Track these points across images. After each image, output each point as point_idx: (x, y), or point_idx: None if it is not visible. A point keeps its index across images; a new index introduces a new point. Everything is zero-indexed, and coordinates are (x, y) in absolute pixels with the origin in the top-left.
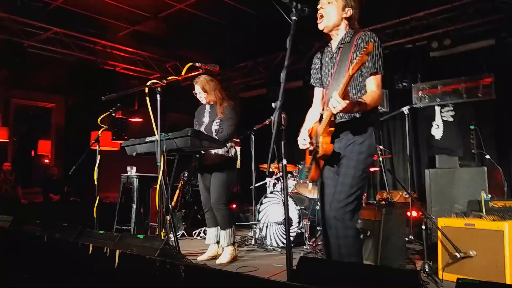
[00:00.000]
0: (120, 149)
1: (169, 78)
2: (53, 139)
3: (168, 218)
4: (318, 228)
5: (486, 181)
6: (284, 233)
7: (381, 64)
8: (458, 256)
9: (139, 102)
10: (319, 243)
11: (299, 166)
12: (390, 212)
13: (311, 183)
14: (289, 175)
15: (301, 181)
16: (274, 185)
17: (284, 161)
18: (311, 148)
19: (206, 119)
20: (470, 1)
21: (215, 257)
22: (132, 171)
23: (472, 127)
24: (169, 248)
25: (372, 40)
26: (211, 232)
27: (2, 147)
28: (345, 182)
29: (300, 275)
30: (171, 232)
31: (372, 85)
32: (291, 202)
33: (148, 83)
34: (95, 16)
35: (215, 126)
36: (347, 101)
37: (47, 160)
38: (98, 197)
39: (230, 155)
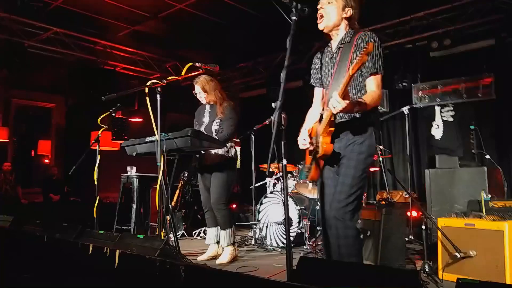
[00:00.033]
0: (120, 149)
1: (169, 78)
2: (53, 139)
3: (168, 218)
4: (318, 228)
5: (486, 181)
6: (284, 233)
7: (381, 64)
8: (458, 256)
9: (139, 102)
10: (319, 243)
11: (299, 166)
12: (390, 212)
13: (311, 183)
14: (289, 175)
15: (301, 181)
16: (274, 185)
17: (284, 161)
18: (311, 148)
19: (206, 119)
20: (470, 1)
21: (215, 257)
22: (132, 171)
23: (472, 127)
24: (169, 248)
25: (372, 40)
26: (211, 232)
27: (2, 147)
28: (345, 182)
29: (300, 275)
30: (171, 232)
31: (372, 85)
32: (291, 202)
33: (148, 83)
34: (95, 16)
35: (215, 126)
36: (347, 101)
37: (47, 160)
38: (98, 197)
39: (230, 155)
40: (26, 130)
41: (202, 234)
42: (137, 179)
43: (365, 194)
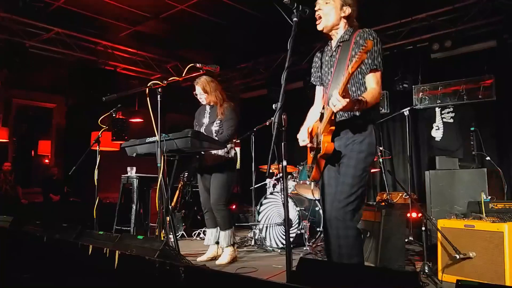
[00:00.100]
0: (120, 149)
1: (169, 79)
2: (53, 139)
3: (167, 218)
4: (318, 229)
5: (486, 183)
6: (284, 234)
7: (381, 61)
8: (458, 257)
9: (140, 102)
10: (319, 244)
11: (299, 167)
12: (390, 213)
13: (313, 183)
14: (289, 176)
15: (301, 182)
16: (274, 186)
17: (284, 162)
18: (310, 145)
19: (206, 120)
20: (471, 2)
21: (214, 258)
22: (132, 172)
23: (472, 128)
24: (169, 249)
25: (371, 38)
26: (211, 233)
27: (3, 147)
28: (345, 181)
29: (300, 276)
30: (171, 233)
31: (372, 82)
32: (291, 203)
33: (148, 84)
34: (96, 16)
35: (215, 127)
36: (347, 99)
37: (47, 160)
38: (98, 197)
39: (230, 156)
40: (26, 130)
41: (201, 235)
42: (137, 180)
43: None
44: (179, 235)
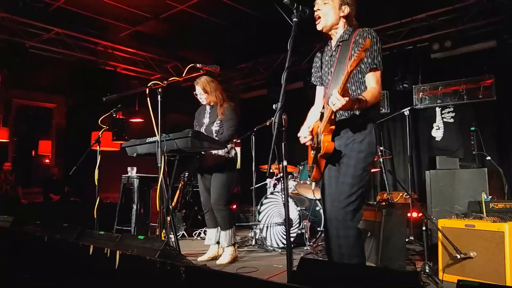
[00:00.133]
0: (121, 149)
1: (170, 79)
2: (54, 139)
3: (168, 218)
4: (319, 228)
5: (487, 182)
6: (285, 233)
7: (381, 60)
8: (459, 257)
9: (140, 102)
10: (320, 243)
11: (300, 167)
12: (391, 213)
13: (314, 183)
14: (290, 176)
15: (302, 181)
16: (275, 186)
17: (285, 162)
18: (309, 143)
19: (206, 120)
20: (472, 2)
21: (215, 258)
22: (132, 172)
23: (472, 128)
24: (170, 249)
25: (370, 36)
26: (211, 233)
27: (3, 147)
28: (345, 181)
29: (301, 276)
30: (171, 233)
31: (372, 81)
32: (291, 203)
33: (149, 84)
34: (96, 16)
35: (215, 127)
36: (347, 98)
37: (47, 160)
38: (98, 197)
39: (230, 156)
40: (27, 130)
41: (202, 235)
42: (138, 180)
43: None
44: (180, 235)
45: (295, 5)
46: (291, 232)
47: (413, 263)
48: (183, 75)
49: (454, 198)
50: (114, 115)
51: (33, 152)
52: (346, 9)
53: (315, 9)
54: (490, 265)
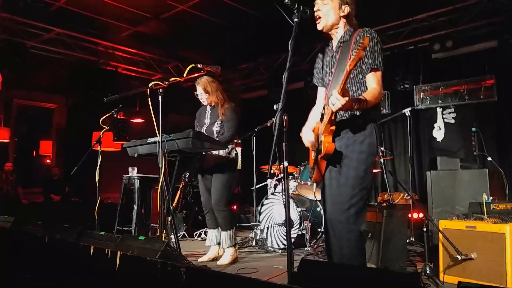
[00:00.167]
0: (122, 149)
1: (170, 79)
2: (54, 139)
3: (169, 219)
4: (319, 229)
5: (488, 183)
6: (285, 234)
7: (381, 60)
8: (459, 258)
9: (141, 103)
10: (320, 244)
11: (300, 167)
12: (391, 214)
13: (315, 185)
14: (290, 176)
15: (302, 182)
16: (275, 186)
17: (285, 163)
18: (313, 148)
19: (207, 121)
20: (472, 2)
21: (216, 259)
22: (133, 172)
23: (473, 129)
24: (170, 250)
25: (370, 36)
26: (212, 234)
27: (4, 147)
28: (346, 183)
29: (301, 277)
30: (172, 233)
31: (372, 82)
32: (292, 204)
33: (150, 85)
34: (97, 17)
35: (216, 128)
36: (347, 98)
37: (48, 161)
38: (99, 197)
39: (231, 156)
40: (27, 130)
41: (203, 235)
42: (138, 180)
43: None
44: (180, 236)
45: (296, 5)
46: (291, 233)
47: (414, 264)
48: (184, 75)
49: (455, 199)
50: (115, 116)
51: (34, 152)
52: (346, 9)
53: (315, 9)
54: (491, 267)
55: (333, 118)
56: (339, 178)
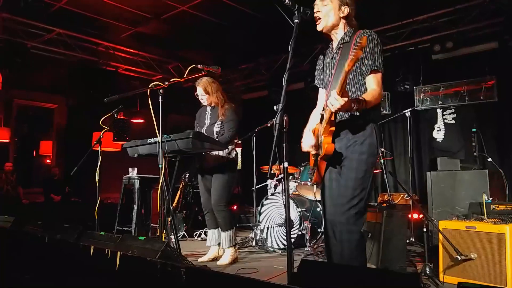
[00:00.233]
0: (122, 150)
1: (171, 80)
2: (54, 140)
3: (169, 219)
4: (319, 230)
5: (488, 184)
6: (285, 234)
7: (381, 62)
8: (459, 258)
9: (141, 103)
10: (320, 245)
11: (300, 168)
12: (391, 214)
13: (315, 186)
14: (290, 177)
15: (302, 183)
16: (275, 187)
17: (286, 163)
18: (313, 152)
19: (207, 121)
20: (473, 4)
21: (216, 259)
22: (133, 172)
23: (474, 129)
24: (170, 250)
25: (370, 37)
26: (212, 234)
27: (4, 147)
28: (346, 184)
29: (301, 278)
30: (172, 233)
31: (372, 83)
32: (292, 204)
33: (150, 85)
34: (97, 17)
35: (216, 128)
36: (345, 98)
37: (48, 161)
38: (99, 198)
39: (231, 157)
40: (27, 130)
41: (203, 235)
42: (139, 180)
43: None
44: (180, 236)
45: (296, 6)
46: (291, 233)
47: (414, 265)
48: (185, 76)
49: (455, 199)
50: (115, 116)
51: (34, 152)
52: (346, 10)
53: (314, 10)
54: (491, 267)
55: (332, 118)
56: (339, 179)
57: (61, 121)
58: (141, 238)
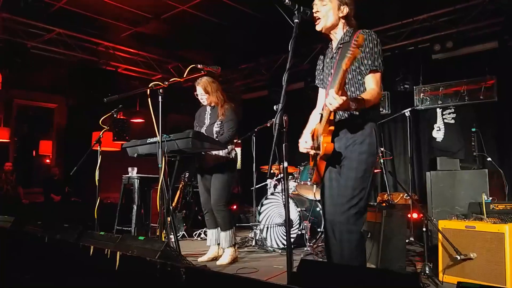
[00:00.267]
0: (121, 149)
1: (171, 80)
2: (54, 139)
3: (168, 219)
4: (319, 229)
5: (487, 183)
6: (285, 234)
7: (381, 62)
8: (459, 258)
9: (141, 103)
10: (320, 244)
11: (300, 167)
12: (391, 214)
13: (315, 185)
14: (290, 176)
15: (302, 182)
16: (275, 186)
17: (285, 163)
18: (312, 153)
19: (207, 121)
20: (473, 3)
21: (215, 258)
22: (133, 172)
23: (473, 129)
24: (170, 250)
25: (370, 38)
26: (211, 234)
27: (4, 147)
28: (346, 184)
29: (301, 277)
30: (172, 233)
31: (371, 83)
32: (291, 204)
33: (150, 85)
34: (97, 17)
35: (216, 128)
36: (344, 98)
37: (48, 161)
38: (99, 197)
39: (231, 156)
40: (27, 130)
41: (202, 235)
42: (138, 180)
43: None
44: (180, 236)
45: (296, 6)
46: (291, 233)
47: (413, 264)
48: (185, 75)
49: (455, 199)
50: (115, 116)
51: (34, 152)
52: (345, 9)
53: (313, 10)
54: (490, 267)
55: (331, 118)
56: (339, 179)
57: (61, 121)
58: (141, 238)
